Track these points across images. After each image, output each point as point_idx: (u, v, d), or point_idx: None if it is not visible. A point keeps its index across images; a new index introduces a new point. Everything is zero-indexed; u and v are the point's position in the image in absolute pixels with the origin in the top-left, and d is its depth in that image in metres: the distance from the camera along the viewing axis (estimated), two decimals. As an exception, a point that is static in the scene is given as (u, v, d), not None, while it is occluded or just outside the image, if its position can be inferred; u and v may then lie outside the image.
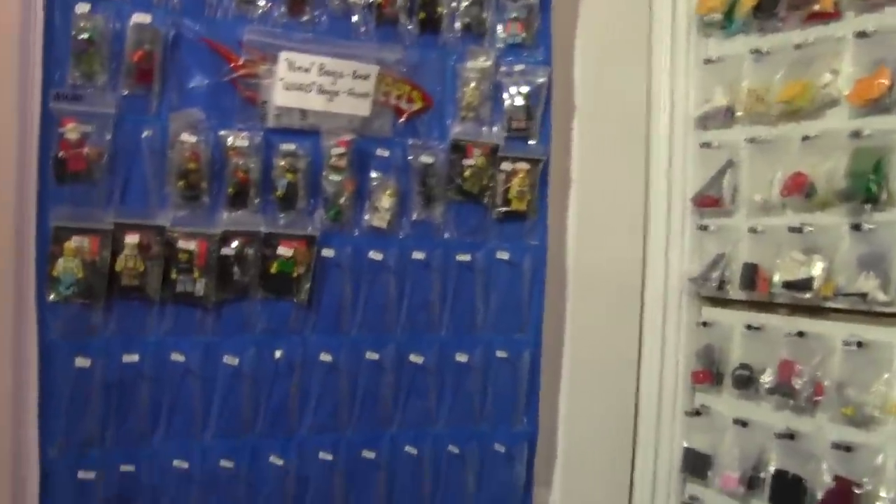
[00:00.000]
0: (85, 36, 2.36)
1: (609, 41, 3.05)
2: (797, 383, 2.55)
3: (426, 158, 2.77)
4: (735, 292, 2.83)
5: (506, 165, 2.85)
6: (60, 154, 2.35)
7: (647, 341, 3.09)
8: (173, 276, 2.49)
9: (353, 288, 2.71)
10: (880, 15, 2.45)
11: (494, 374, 2.89)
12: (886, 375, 2.36)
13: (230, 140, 2.53)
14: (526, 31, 2.87)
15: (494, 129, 2.84)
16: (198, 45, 2.51)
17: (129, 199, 2.45)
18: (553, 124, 2.91)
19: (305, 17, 2.63)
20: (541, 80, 2.87)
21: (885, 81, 2.38)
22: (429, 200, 2.78)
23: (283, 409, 2.65)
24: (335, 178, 2.64)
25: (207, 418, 2.57)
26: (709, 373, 2.89)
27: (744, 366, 2.76)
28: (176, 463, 2.53)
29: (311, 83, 2.58)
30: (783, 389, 2.59)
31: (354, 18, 2.69)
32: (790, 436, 2.58)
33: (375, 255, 2.72)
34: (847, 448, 2.40)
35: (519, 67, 2.87)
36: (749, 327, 2.76)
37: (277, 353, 2.64)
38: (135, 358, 2.47)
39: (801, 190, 2.57)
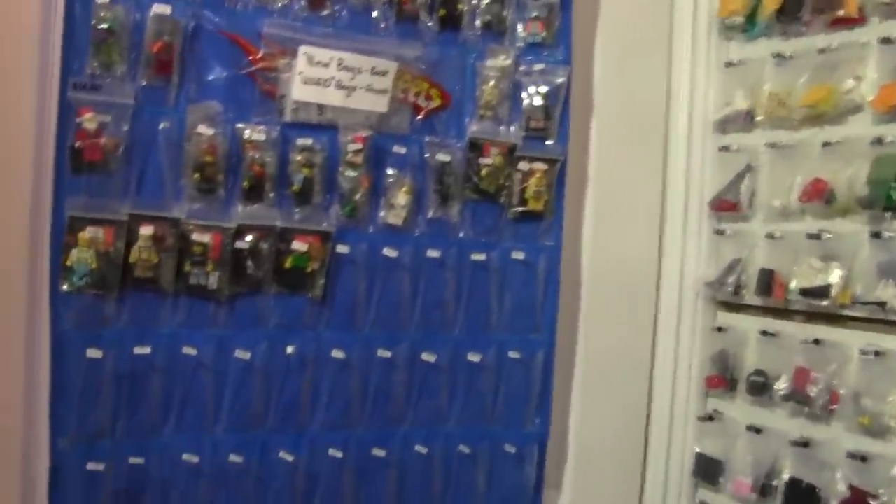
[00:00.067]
0: (105, 26, 2.36)
1: (629, 42, 3.03)
2: (812, 391, 2.53)
3: (443, 156, 2.75)
4: (751, 298, 2.81)
5: (523, 165, 2.83)
6: (77, 144, 2.35)
7: (661, 345, 3.07)
8: (187, 268, 2.48)
9: (367, 285, 2.70)
10: (906, 21, 2.44)
11: (507, 374, 2.88)
12: (904, 386, 2.35)
13: (247, 133, 2.53)
14: (546, 31, 2.86)
15: (512, 128, 2.83)
16: (217, 38, 2.51)
17: (144, 190, 2.45)
18: (571, 125, 2.90)
19: (325, 12, 2.62)
20: (560, 79, 2.85)
21: (910, 88, 2.36)
22: (445, 199, 2.76)
23: (295, 405, 2.64)
24: (351, 174, 2.63)
25: (218, 412, 2.56)
26: (722, 378, 2.87)
27: (758, 372, 2.74)
28: (186, 456, 2.53)
29: (329, 78, 2.57)
30: (798, 397, 2.57)
31: (374, 14, 2.68)
32: (805, 444, 2.56)
33: (390, 253, 2.71)
34: (863, 458, 2.38)
35: (538, 67, 2.85)
36: (764, 333, 2.74)
37: (290, 349, 2.63)
38: (147, 350, 2.47)
39: (820, 196, 2.55)
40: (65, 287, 2.36)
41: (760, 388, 2.72)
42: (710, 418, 2.93)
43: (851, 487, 2.39)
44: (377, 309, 2.72)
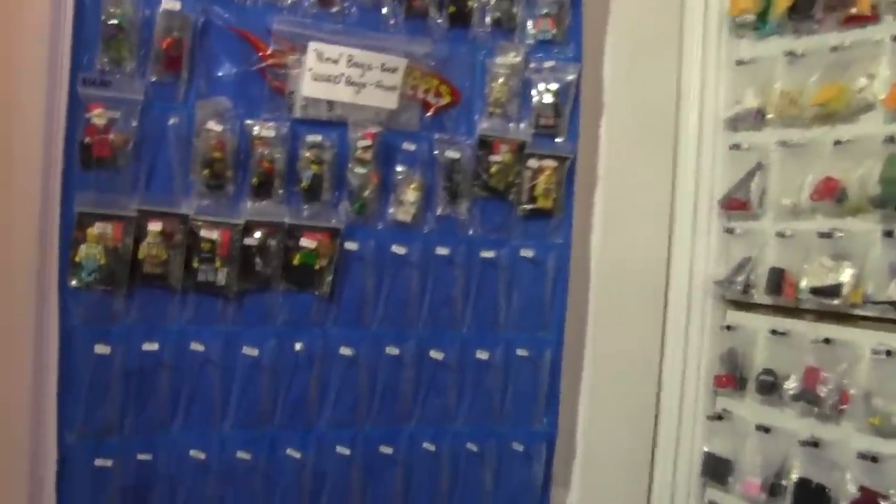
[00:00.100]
0: (114, 21, 2.36)
1: (640, 40, 3.02)
2: (822, 391, 2.52)
3: (452, 153, 2.75)
4: (760, 297, 2.80)
5: (532, 162, 2.82)
6: (86, 139, 2.35)
7: (670, 343, 3.06)
8: (195, 265, 2.48)
9: (375, 282, 2.70)
10: (919, 19, 2.42)
11: (515, 372, 2.87)
12: (916, 386, 2.34)
13: (256, 130, 2.53)
14: (556, 28, 2.85)
15: (522, 125, 2.82)
16: (227, 34, 2.51)
17: (153, 186, 2.45)
18: (581, 122, 2.89)
19: (335, 9, 2.61)
20: (570, 77, 2.85)
21: (923, 87, 2.35)
22: (454, 196, 2.76)
23: (302, 402, 2.64)
24: (360, 170, 2.63)
25: (226, 409, 2.56)
26: (731, 377, 2.86)
27: (768, 371, 2.73)
28: (193, 453, 2.53)
29: (339, 75, 2.57)
30: (808, 396, 2.56)
31: (384, 10, 2.67)
32: (814, 444, 2.55)
33: (399, 250, 2.71)
34: (873, 458, 2.37)
35: (548, 64, 2.84)
36: (774, 332, 2.73)
37: (298, 346, 2.63)
38: (155, 346, 2.47)
39: (832, 195, 2.54)
40: (73, 283, 2.36)
41: (770, 387, 2.71)
42: (719, 417, 2.92)
43: (862, 488, 2.38)
44: (385, 306, 2.72)
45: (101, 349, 2.40)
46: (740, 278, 2.83)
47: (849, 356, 2.49)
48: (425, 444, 2.79)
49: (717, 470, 2.87)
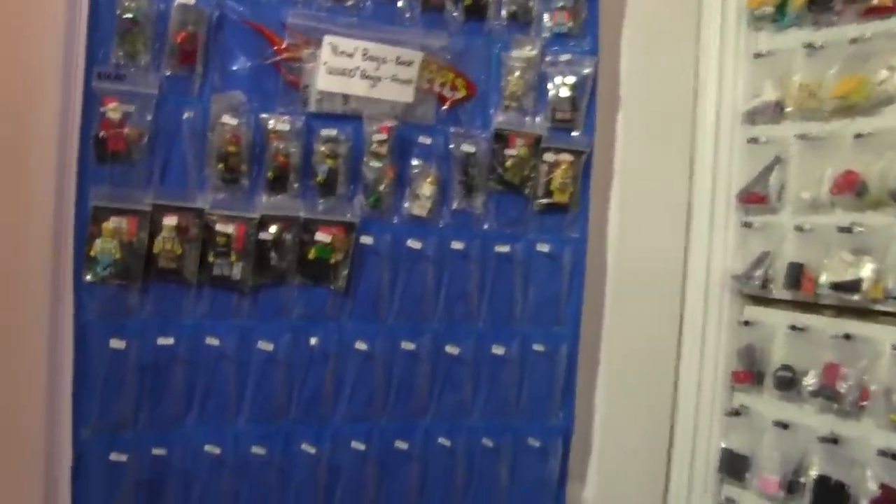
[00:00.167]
0: (129, 15, 2.36)
1: (657, 32, 3.00)
2: (842, 387, 2.49)
3: (468, 147, 2.73)
4: (779, 292, 2.78)
5: (548, 156, 2.81)
6: (101, 133, 2.35)
7: (687, 339, 3.04)
8: (210, 259, 2.48)
9: (390, 276, 2.69)
10: (941, 10, 2.40)
11: (531, 367, 2.86)
12: (938, 382, 2.31)
13: (271, 124, 2.52)
14: (573, 21, 2.83)
15: (538, 119, 2.81)
16: (241, 27, 2.50)
17: (168, 180, 2.45)
18: (598, 116, 2.87)
19: (350, 2, 2.61)
20: (587, 70, 2.83)
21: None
22: (469, 190, 2.75)
23: (317, 397, 2.64)
24: (376, 164, 2.62)
25: (241, 404, 2.57)
26: (749, 373, 2.84)
27: (786, 367, 2.71)
28: (208, 448, 2.53)
29: (354, 68, 2.56)
30: (827, 392, 2.54)
31: (399, 4, 2.66)
32: (834, 440, 2.53)
33: (414, 244, 2.70)
34: (894, 456, 2.35)
35: (565, 57, 2.83)
36: (793, 328, 2.71)
37: (313, 340, 2.62)
38: (170, 341, 2.48)
39: (851, 188, 2.51)
40: (88, 277, 2.36)
41: (788, 383, 2.69)
42: (737, 413, 2.89)
43: (882, 486, 2.36)
44: (401, 300, 2.71)
45: (116, 344, 2.41)
46: (758, 273, 2.81)
47: (869, 352, 2.46)
48: (441, 440, 2.78)
49: (734, 466, 2.85)
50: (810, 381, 2.61)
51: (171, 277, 2.45)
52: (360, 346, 2.66)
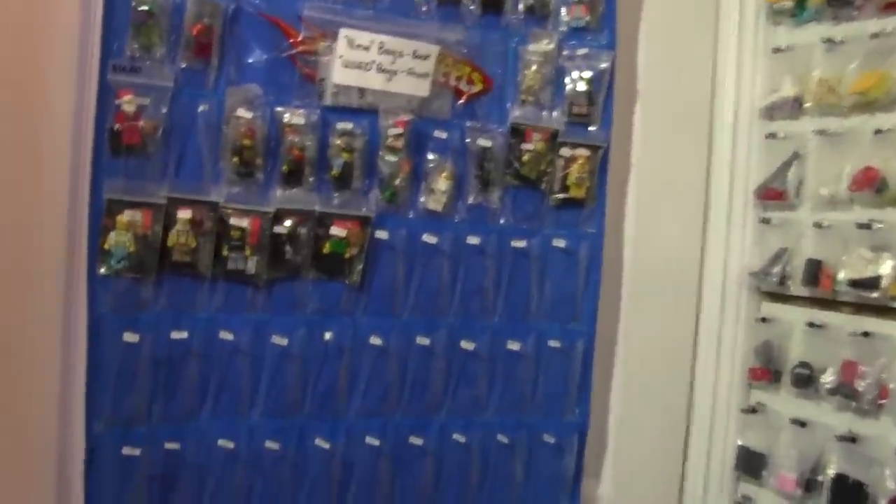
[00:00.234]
0: (145, 7, 2.35)
1: (675, 27, 2.99)
2: (860, 385, 2.48)
3: (484, 142, 2.72)
4: (797, 288, 2.76)
5: (565, 151, 2.80)
6: (116, 126, 2.35)
7: (704, 335, 3.03)
8: (225, 253, 2.47)
9: (405, 271, 2.69)
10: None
11: (546, 363, 2.85)
12: (957, 381, 2.30)
13: (286, 117, 2.51)
14: (590, 15, 2.82)
15: (555, 113, 2.80)
16: (257, 20, 2.50)
17: (183, 173, 2.44)
18: (615, 111, 2.86)
19: (366, -6, 2.60)
20: (604, 64, 2.82)
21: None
22: (485, 184, 2.74)
23: (332, 392, 2.63)
24: (391, 158, 2.61)
25: (255, 398, 2.56)
26: (766, 370, 2.82)
27: (804, 364, 2.69)
28: (221, 442, 2.53)
29: (370, 62, 2.55)
30: (845, 390, 2.52)
31: (416, -3, 2.66)
32: (852, 439, 2.51)
33: (430, 239, 2.69)
34: (913, 454, 2.34)
35: (582, 51, 2.81)
36: (810, 325, 2.69)
37: (327, 335, 2.62)
38: (184, 335, 2.47)
39: (871, 185, 2.50)
40: (102, 270, 2.36)
41: (806, 380, 2.67)
42: (754, 411, 2.88)
43: (901, 485, 2.35)
44: (416, 295, 2.70)
45: (129, 337, 2.40)
46: (776, 270, 2.79)
47: (888, 350, 2.45)
48: (455, 436, 2.77)
49: (750, 464, 2.84)
50: (828, 378, 2.59)
51: (185, 271, 2.44)
52: (375, 341, 2.65)
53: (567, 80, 2.81)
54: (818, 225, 2.68)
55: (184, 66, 2.42)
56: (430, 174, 2.68)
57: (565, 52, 2.80)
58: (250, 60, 2.49)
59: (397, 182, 2.62)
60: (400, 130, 2.60)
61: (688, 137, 3.01)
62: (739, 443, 2.91)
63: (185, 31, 2.41)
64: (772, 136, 2.87)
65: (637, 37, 2.95)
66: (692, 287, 3.04)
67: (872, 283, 2.47)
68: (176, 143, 2.42)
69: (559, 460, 2.88)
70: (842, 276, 2.56)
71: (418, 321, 2.70)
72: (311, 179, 2.54)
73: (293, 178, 2.53)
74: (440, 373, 2.73)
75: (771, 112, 2.88)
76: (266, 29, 2.50)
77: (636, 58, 2.95)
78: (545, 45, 2.77)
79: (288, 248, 2.53)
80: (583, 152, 2.80)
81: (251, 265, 2.49)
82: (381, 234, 2.63)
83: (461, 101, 2.71)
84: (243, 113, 2.46)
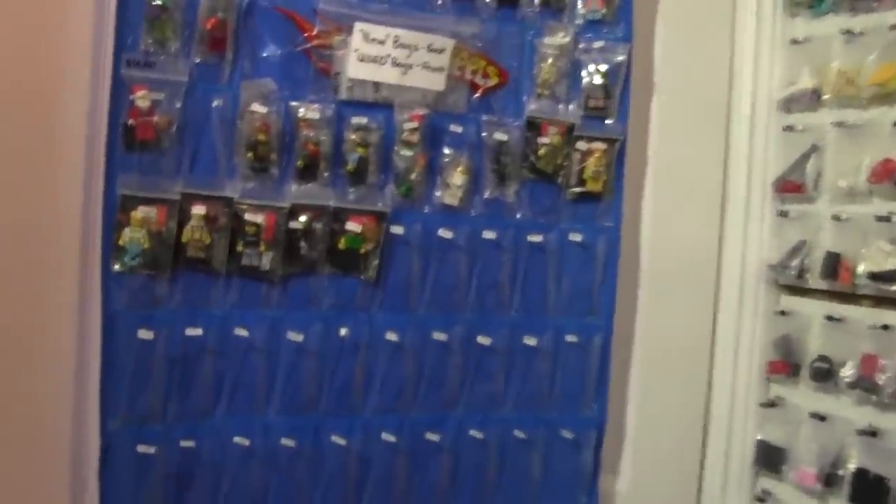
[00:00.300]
0: (159, 2, 2.35)
1: (691, 19, 2.97)
2: (881, 378, 2.47)
3: (500, 135, 2.71)
4: (815, 281, 2.75)
5: (581, 145, 2.78)
6: (130, 121, 2.34)
7: (722, 329, 3.02)
8: (239, 248, 2.46)
9: (421, 266, 2.67)
10: (984, -5, 2.36)
11: (564, 358, 2.83)
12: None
13: (301, 112, 2.50)
14: (606, 7, 2.80)
15: (571, 107, 2.78)
16: (272, 14, 2.49)
17: (197, 169, 2.44)
18: (631, 104, 2.84)
19: (381, -12, 2.59)
20: (620, 57, 2.80)
21: None
22: (501, 179, 2.72)
23: (347, 388, 2.62)
24: (407, 153, 2.60)
25: (270, 395, 2.55)
26: (785, 364, 2.81)
27: (823, 358, 2.68)
28: (237, 440, 2.52)
29: (385, 55, 2.54)
30: (865, 384, 2.51)
31: (431, -10, 2.64)
32: (872, 433, 2.50)
33: (445, 233, 2.68)
34: (935, 449, 2.32)
35: (598, 44, 2.79)
36: (829, 318, 2.68)
37: (343, 331, 2.60)
38: (199, 331, 2.46)
39: (890, 177, 2.49)
40: (116, 267, 2.35)
41: (825, 374, 2.65)
42: (773, 405, 2.87)
43: (923, 479, 2.33)
44: (432, 291, 2.69)
45: (144, 334, 2.40)
46: (795, 263, 2.78)
47: (909, 344, 2.43)
48: (472, 431, 2.76)
49: (770, 458, 2.83)
50: (847, 372, 2.59)
51: (199, 267, 2.43)
52: (391, 336, 2.64)
53: (583, 73, 2.79)
54: (837, 218, 2.66)
55: (198, 60, 2.41)
56: (446, 168, 2.66)
57: (581, 45, 2.78)
58: (265, 55, 2.48)
59: (413, 177, 2.61)
60: (415, 125, 2.59)
61: (705, 130, 3.00)
62: (759, 437, 2.90)
63: (200, 25, 2.40)
64: (790, 128, 2.86)
65: (653, 29, 2.94)
66: (710, 280, 3.03)
67: (892, 275, 2.46)
68: (190, 139, 2.41)
69: (577, 456, 2.86)
70: (861, 268, 2.55)
71: (434, 316, 2.69)
72: (326, 174, 2.53)
73: (308, 173, 2.51)
74: (457, 368, 2.72)
75: (789, 104, 2.87)
76: (281, 23, 2.49)
77: (653, 50, 2.94)
78: (561, 38, 2.75)
79: (303, 243, 2.52)
80: (599, 146, 2.79)
81: (266, 261, 2.48)
82: (397, 229, 2.62)
83: (477, 95, 2.70)
84: (258, 108, 2.44)
